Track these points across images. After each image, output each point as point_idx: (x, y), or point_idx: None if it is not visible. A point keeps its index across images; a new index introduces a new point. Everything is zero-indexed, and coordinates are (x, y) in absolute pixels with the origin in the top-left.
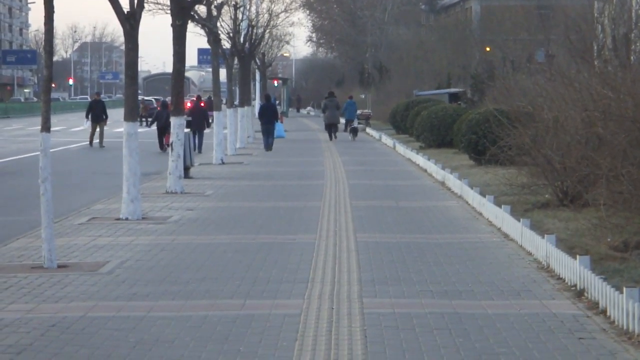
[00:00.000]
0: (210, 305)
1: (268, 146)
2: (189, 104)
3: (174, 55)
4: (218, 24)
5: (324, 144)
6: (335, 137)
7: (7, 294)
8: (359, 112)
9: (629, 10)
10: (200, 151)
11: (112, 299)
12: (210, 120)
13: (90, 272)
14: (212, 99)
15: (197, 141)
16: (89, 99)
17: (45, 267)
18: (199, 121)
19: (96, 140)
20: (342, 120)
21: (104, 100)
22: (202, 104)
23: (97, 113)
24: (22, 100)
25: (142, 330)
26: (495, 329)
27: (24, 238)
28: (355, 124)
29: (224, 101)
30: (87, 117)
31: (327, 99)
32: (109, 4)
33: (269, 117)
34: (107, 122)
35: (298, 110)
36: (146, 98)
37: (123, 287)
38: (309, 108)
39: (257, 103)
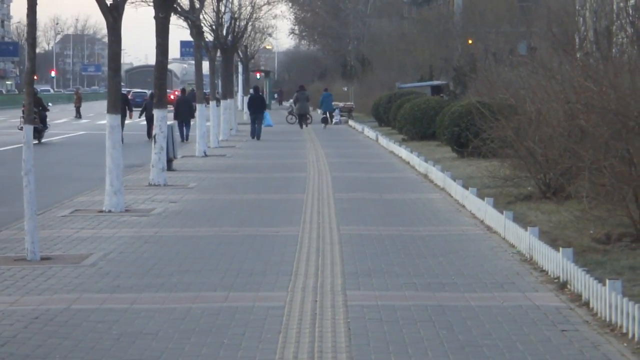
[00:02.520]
0: (194, 298)
1: (256, 135)
2: (171, 97)
3: (156, 47)
4: (201, 17)
5: (306, 136)
6: (307, 125)
7: None
8: (341, 104)
9: (610, 2)
10: (187, 140)
11: (96, 291)
12: (194, 109)
13: (74, 265)
14: (195, 91)
15: (185, 131)
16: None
17: (28, 260)
18: (184, 111)
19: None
20: (320, 113)
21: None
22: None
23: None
24: (4, 92)
25: (126, 323)
26: (479, 321)
27: (6, 230)
28: (338, 116)
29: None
30: None
31: (298, 92)
32: None
33: (257, 107)
34: (132, 116)
35: (280, 103)
36: (134, 90)
37: (106, 279)
38: (290, 101)
39: (239, 96)
